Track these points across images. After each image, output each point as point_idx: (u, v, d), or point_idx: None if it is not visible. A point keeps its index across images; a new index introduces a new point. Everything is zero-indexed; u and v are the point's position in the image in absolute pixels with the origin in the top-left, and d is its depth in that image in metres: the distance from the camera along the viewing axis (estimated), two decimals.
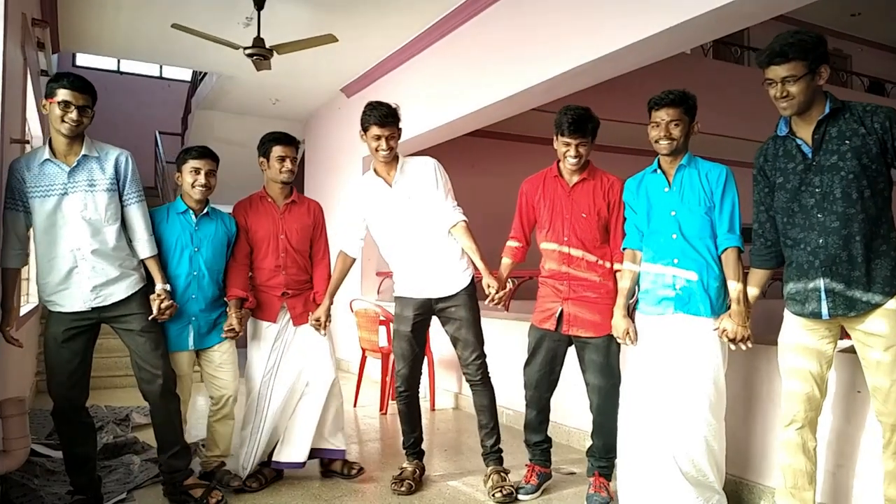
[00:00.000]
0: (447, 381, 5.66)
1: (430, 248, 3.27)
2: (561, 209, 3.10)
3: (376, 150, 3.23)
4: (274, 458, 3.40)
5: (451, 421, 5.11)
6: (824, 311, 2.35)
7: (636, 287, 2.97)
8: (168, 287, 3.01)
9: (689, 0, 3.55)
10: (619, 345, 3.07)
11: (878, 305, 2.26)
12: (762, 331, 3.17)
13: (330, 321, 3.39)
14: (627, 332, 2.91)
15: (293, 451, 3.37)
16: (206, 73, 8.78)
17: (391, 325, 5.71)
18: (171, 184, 9.62)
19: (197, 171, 3.21)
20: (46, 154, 2.78)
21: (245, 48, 5.50)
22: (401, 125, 3.28)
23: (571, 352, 3.22)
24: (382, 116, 3.18)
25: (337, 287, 3.45)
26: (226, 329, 3.26)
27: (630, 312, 2.99)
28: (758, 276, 2.69)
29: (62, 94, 2.72)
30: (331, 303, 3.40)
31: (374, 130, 3.19)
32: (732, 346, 2.67)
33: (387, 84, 7.04)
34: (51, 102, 2.74)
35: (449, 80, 5.88)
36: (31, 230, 2.85)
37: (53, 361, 2.83)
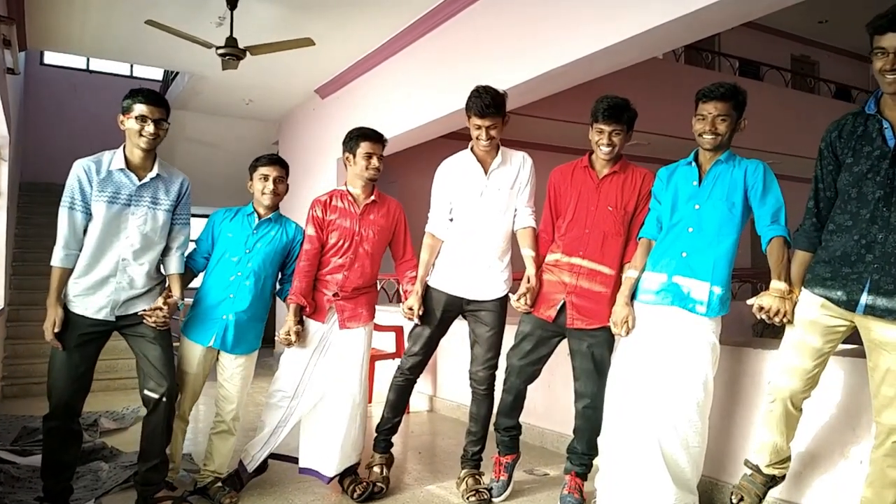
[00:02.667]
0: (422, 384, 5.64)
1: (489, 247, 3.21)
2: (587, 200, 3.04)
3: (477, 139, 3.16)
4: (302, 465, 3.32)
5: (426, 424, 5.10)
6: (861, 308, 2.27)
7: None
8: (181, 303, 3.00)
9: (661, 6, 3.59)
10: (611, 347, 3.04)
11: None
12: (734, 334, 3.23)
13: (422, 310, 3.27)
14: (626, 321, 2.86)
15: (323, 462, 3.28)
16: (177, 73, 8.67)
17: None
18: None
19: (266, 177, 3.22)
20: (120, 163, 2.84)
21: (218, 48, 5.45)
22: (504, 113, 3.15)
23: (555, 354, 3.22)
24: (484, 107, 3.06)
25: (427, 272, 3.33)
26: (283, 335, 3.20)
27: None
28: (802, 257, 2.52)
29: (138, 108, 2.80)
30: (421, 290, 3.29)
31: (475, 120, 3.12)
32: (766, 319, 2.51)
33: (362, 86, 7.02)
34: (127, 118, 2.82)
35: (423, 82, 5.87)
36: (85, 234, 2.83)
37: (61, 365, 2.80)
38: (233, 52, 5.48)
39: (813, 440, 2.80)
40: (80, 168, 2.81)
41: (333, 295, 3.27)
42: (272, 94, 8.04)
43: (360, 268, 3.29)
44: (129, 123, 2.82)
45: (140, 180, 2.87)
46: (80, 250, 2.82)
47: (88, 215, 2.81)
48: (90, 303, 2.81)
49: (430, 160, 6.10)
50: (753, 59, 10.88)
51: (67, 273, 2.83)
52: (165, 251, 3.01)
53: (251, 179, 3.27)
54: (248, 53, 5.52)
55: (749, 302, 2.56)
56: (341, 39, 6.23)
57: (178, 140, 8.93)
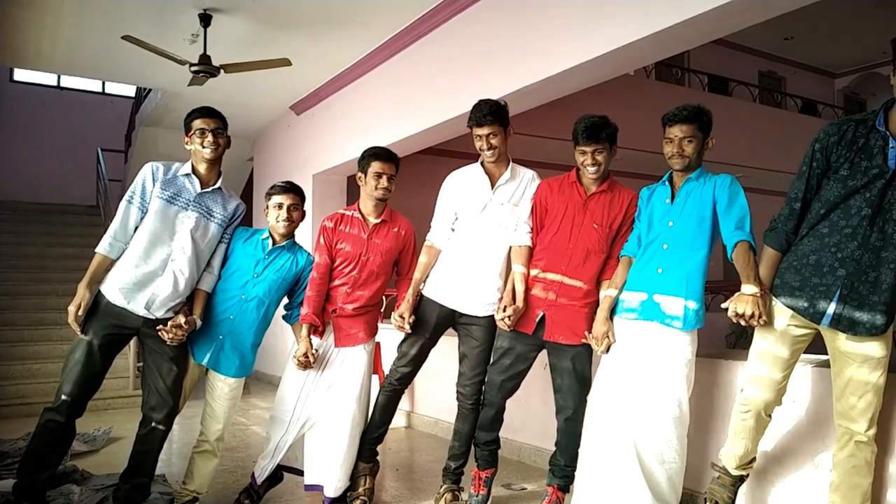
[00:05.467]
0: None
1: (488, 262, 3.20)
2: (573, 216, 3.05)
3: (481, 150, 3.16)
4: (307, 481, 3.29)
5: (404, 440, 5.08)
6: (826, 320, 2.31)
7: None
8: (199, 323, 3.03)
9: (632, 24, 3.65)
10: (591, 360, 3.06)
11: (875, 335, 2.26)
12: (706, 345, 3.26)
13: (412, 318, 3.24)
14: (605, 337, 2.89)
15: (326, 480, 3.24)
16: (150, 90, 8.61)
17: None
18: (113, 203, 9.35)
19: (280, 206, 3.21)
20: (188, 170, 3.02)
21: (192, 65, 5.43)
22: (506, 123, 3.15)
23: (532, 369, 3.23)
24: (481, 116, 3.09)
25: (420, 282, 3.29)
26: (300, 358, 3.16)
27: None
28: (774, 257, 2.52)
29: (196, 123, 2.99)
30: (414, 299, 3.26)
31: (475, 130, 3.14)
32: (743, 323, 2.48)
33: (337, 102, 7.02)
34: (190, 136, 3.00)
35: (399, 98, 5.90)
36: (137, 228, 2.94)
37: (79, 359, 2.85)
38: (206, 70, 5.46)
39: (783, 450, 2.84)
40: (148, 167, 2.99)
41: (332, 311, 3.26)
42: (246, 110, 8.00)
43: (364, 286, 3.28)
44: (192, 140, 2.99)
45: (202, 189, 3.01)
46: (127, 244, 2.92)
47: (143, 212, 2.94)
48: (133, 296, 2.87)
49: (407, 176, 6.09)
50: (722, 75, 11.10)
51: (108, 263, 2.92)
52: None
53: (266, 208, 3.27)
54: (221, 71, 5.51)
55: (724, 306, 2.54)
56: (316, 56, 6.24)
57: (151, 157, 8.84)
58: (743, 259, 2.55)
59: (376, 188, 3.25)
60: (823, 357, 2.65)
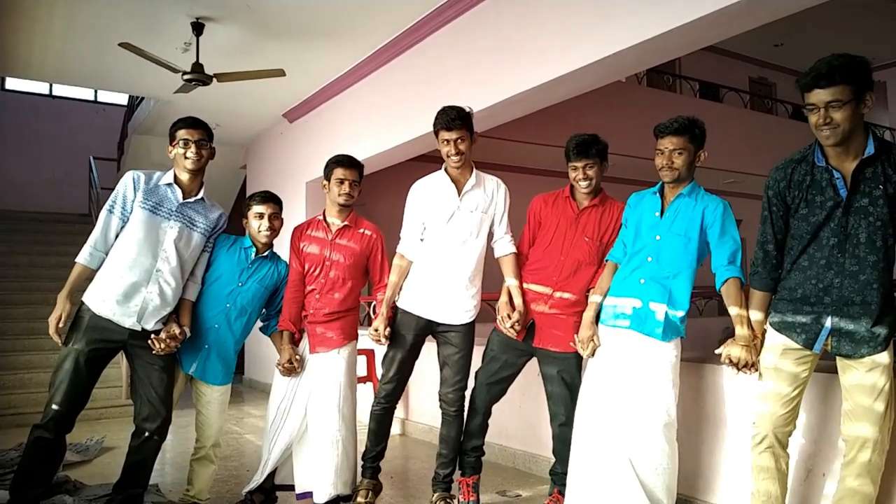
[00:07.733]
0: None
1: (460, 270, 3.20)
2: (565, 230, 3.11)
3: (447, 156, 3.18)
4: (299, 490, 3.32)
5: (398, 448, 5.07)
6: (818, 345, 2.34)
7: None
8: (189, 333, 3.03)
9: (622, 32, 3.67)
10: (580, 368, 3.07)
11: (880, 351, 2.27)
12: (699, 350, 3.28)
13: (388, 331, 3.25)
14: (591, 340, 2.90)
15: (314, 485, 3.25)
16: (143, 98, 8.59)
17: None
18: None
19: (261, 216, 3.23)
20: (169, 179, 3.01)
21: (184, 73, 5.43)
22: (472, 129, 3.19)
23: (525, 376, 3.23)
24: (449, 120, 3.12)
25: (394, 294, 3.31)
26: (284, 365, 3.22)
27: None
28: (763, 298, 2.55)
29: (180, 134, 3.00)
30: (389, 312, 3.28)
31: (443, 134, 3.15)
32: (735, 372, 2.55)
33: (330, 110, 7.04)
34: (174, 146, 3.00)
35: (391, 106, 5.91)
36: (119, 238, 2.92)
37: (67, 374, 2.83)
38: (199, 79, 5.46)
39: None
40: (129, 176, 2.98)
41: (305, 317, 3.31)
42: (239, 118, 8.00)
43: (332, 292, 3.30)
44: (176, 150, 3.00)
45: (184, 199, 3.01)
46: (107, 254, 2.91)
47: (123, 222, 2.92)
48: (120, 309, 2.86)
49: (398, 183, 6.11)
50: (713, 82, 11.16)
51: (88, 272, 2.90)
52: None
53: (246, 218, 3.28)
54: (214, 80, 5.50)
55: (717, 352, 2.60)
56: (309, 64, 6.25)
57: (143, 165, 8.81)
58: (734, 298, 2.61)
59: (339, 194, 3.31)
60: (824, 362, 2.65)
